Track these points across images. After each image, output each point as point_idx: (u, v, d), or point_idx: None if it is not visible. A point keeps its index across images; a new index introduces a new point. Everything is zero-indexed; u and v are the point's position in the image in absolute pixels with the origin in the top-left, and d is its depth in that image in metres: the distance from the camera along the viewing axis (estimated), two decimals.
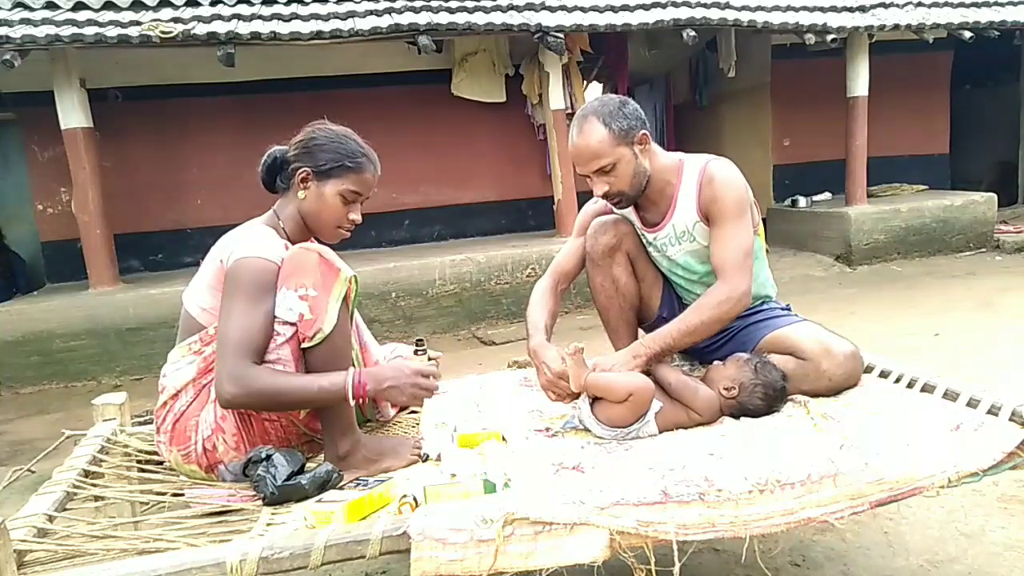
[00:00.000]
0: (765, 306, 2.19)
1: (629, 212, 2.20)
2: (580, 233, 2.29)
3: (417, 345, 1.95)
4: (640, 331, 2.35)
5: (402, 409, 2.18)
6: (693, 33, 5.81)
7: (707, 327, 1.92)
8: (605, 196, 2.03)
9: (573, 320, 5.56)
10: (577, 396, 1.86)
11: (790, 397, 1.89)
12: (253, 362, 1.58)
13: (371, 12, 5.47)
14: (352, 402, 1.63)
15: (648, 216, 2.15)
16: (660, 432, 1.79)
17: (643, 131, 1.99)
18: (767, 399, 1.82)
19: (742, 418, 1.84)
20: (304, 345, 1.63)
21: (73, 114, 5.08)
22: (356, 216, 1.84)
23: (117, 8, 5.12)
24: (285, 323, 1.62)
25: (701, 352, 2.26)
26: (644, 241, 2.20)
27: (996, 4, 6.74)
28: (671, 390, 1.83)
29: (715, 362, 1.94)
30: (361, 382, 1.62)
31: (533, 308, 2.15)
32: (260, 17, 5.21)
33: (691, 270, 2.15)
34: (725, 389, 1.83)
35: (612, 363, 1.87)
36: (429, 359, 1.94)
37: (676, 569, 1.26)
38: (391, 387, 1.65)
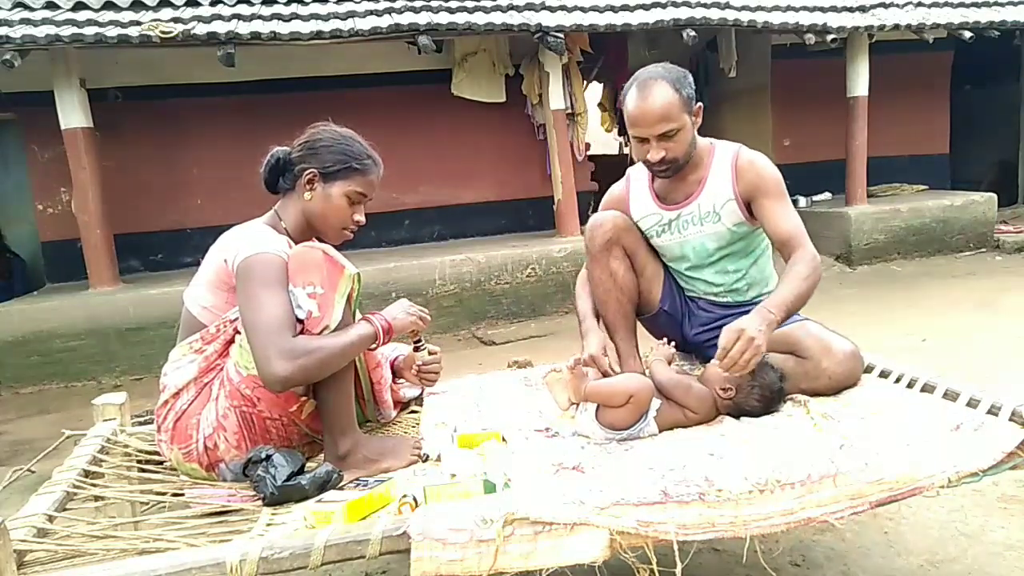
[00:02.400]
0: None
1: (646, 191, 2.21)
2: None
3: (415, 341, 1.98)
4: (639, 323, 2.36)
5: (403, 409, 2.19)
6: (693, 33, 5.81)
7: (810, 290, 1.89)
8: (660, 162, 2.02)
9: (573, 320, 5.55)
10: (576, 404, 1.87)
11: (790, 396, 1.89)
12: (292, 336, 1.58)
13: (371, 12, 5.47)
14: (384, 339, 1.74)
15: (672, 194, 2.17)
16: (660, 432, 1.80)
17: (699, 103, 2.04)
18: (764, 400, 1.82)
19: (742, 418, 1.84)
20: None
21: (73, 114, 5.08)
22: (360, 217, 1.85)
23: (117, 8, 5.12)
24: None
25: (700, 348, 2.27)
26: (658, 222, 2.19)
27: (996, 4, 6.74)
28: (663, 389, 1.83)
29: (713, 361, 1.94)
30: (384, 323, 1.74)
31: (579, 298, 2.29)
32: (260, 17, 5.22)
33: (703, 250, 2.16)
34: (722, 390, 1.82)
35: (744, 326, 1.73)
36: (429, 353, 1.99)
37: (678, 570, 1.26)
38: (397, 315, 1.81)
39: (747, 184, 2.06)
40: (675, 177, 2.12)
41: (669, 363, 2.01)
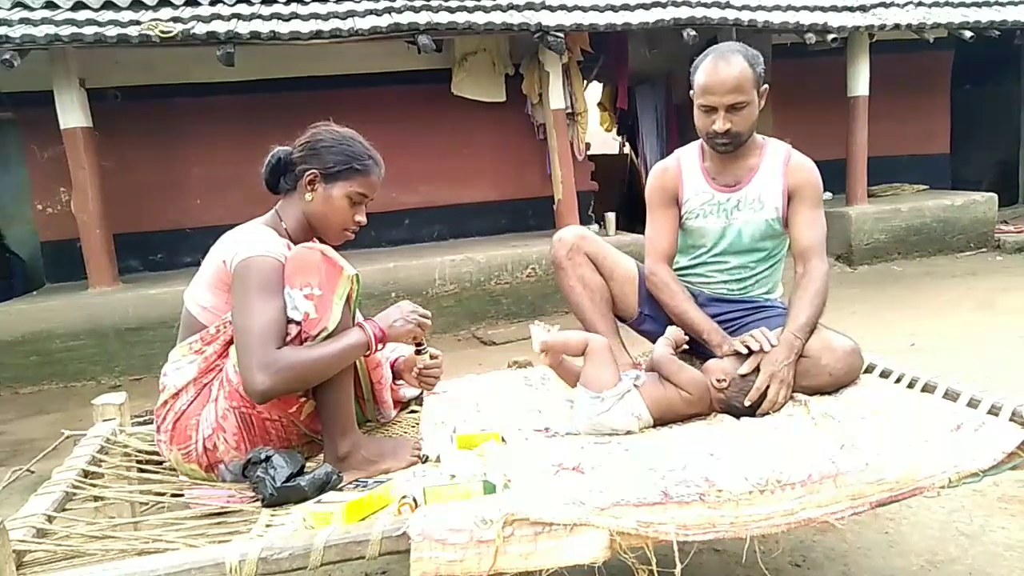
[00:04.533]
0: (772, 304, 2.22)
1: (698, 169, 2.23)
2: (661, 204, 2.28)
3: (417, 345, 1.97)
4: (634, 332, 2.38)
5: (402, 409, 2.18)
6: (693, 33, 5.80)
7: (824, 305, 2.01)
8: (725, 134, 2.06)
9: (573, 320, 5.55)
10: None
11: (790, 395, 1.89)
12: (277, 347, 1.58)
13: (371, 12, 5.47)
14: (376, 348, 1.71)
15: (722, 176, 2.20)
16: (653, 414, 1.84)
17: (767, 85, 2.08)
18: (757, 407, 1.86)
19: (742, 418, 1.85)
20: (308, 344, 1.63)
21: (73, 114, 5.07)
22: (361, 218, 1.84)
23: (116, 8, 5.11)
24: (291, 321, 1.62)
25: (697, 345, 2.27)
26: (709, 201, 2.20)
27: (996, 4, 6.73)
28: (655, 364, 1.91)
29: (712, 360, 1.96)
30: (378, 331, 1.71)
31: (682, 304, 2.15)
32: (260, 17, 5.21)
33: (739, 239, 2.18)
34: (717, 380, 1.88)
35: (771, 356, 1.88)
36: (431, 357, 1.99)
37: (677, 571, 1.25)
38: (395, 322, 1.76)
39: (794, 182, 2.12)
40: (728, 159, 2.16)
41: (677, 347, 2.03)
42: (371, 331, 1.70)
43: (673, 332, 2.06)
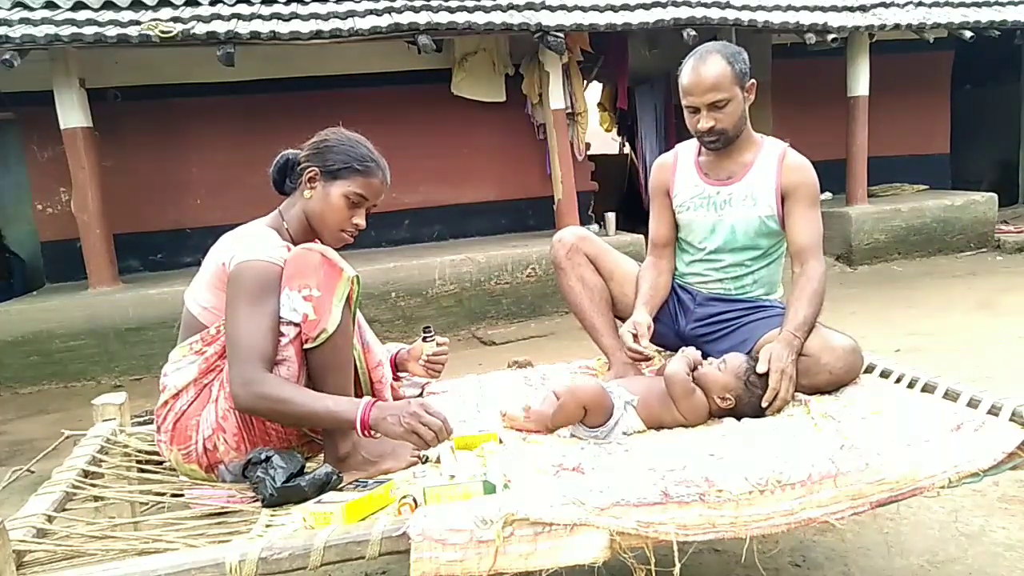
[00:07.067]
0: (770, 304, 2.22)
1: (692, 164, 2.25)
2: (656, 196, 2.34)
3: (424, 332, 1.98)
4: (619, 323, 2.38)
5: None
6: (693, 33, 5.80)
7: (821, 304, 2.04)
8: (709, 131, 2.08)
9: (573, 321, 5.55)
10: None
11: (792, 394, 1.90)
12: (265, 367, 1.58)
13: (371, 12, 5.47)
14: (358, 431, 1.56)
15: (716, 171, 2.21)
16: (647, 426, 1.84)
17: (753, 80, 2.09)
18: (757, 410, 1.88)
19: (743, 419, 1.85)
20: (307, 345, 1.63)
21: (73, 114, 5.08)
22: (360, 221, 1.83)
23: (116, 8, 5.12)
24: (289, 323, 1.62)
25: (695, 343, 2.27)
26: (698, 194, 2.22)
27: (997, 4, 6.74)
28: (667, 379, 1.87)
29: (711, 360, 1.95)
30: (367, 418, 1.55)
31: (637, 286, 2.30)
32: (260, 17, 5.21)
33: (731, 235, 2.18)
34: (721, 399, 1.87)
35: (777, 353, 1.89)
36: (437, 344, 2.00)
37: (676, 570, 1.26)
38: (389, 416, 1.55)
39: (789, 182, 2.12)
40: (722, 155, 2.17)
41: (693, 368, 1.93)
42: (362, 414, 1.56)
43: (690, 353, 1.99)
